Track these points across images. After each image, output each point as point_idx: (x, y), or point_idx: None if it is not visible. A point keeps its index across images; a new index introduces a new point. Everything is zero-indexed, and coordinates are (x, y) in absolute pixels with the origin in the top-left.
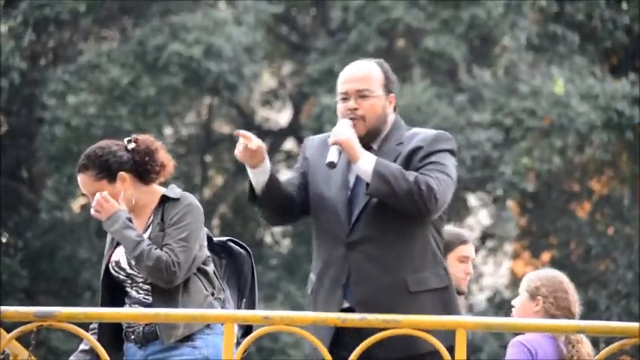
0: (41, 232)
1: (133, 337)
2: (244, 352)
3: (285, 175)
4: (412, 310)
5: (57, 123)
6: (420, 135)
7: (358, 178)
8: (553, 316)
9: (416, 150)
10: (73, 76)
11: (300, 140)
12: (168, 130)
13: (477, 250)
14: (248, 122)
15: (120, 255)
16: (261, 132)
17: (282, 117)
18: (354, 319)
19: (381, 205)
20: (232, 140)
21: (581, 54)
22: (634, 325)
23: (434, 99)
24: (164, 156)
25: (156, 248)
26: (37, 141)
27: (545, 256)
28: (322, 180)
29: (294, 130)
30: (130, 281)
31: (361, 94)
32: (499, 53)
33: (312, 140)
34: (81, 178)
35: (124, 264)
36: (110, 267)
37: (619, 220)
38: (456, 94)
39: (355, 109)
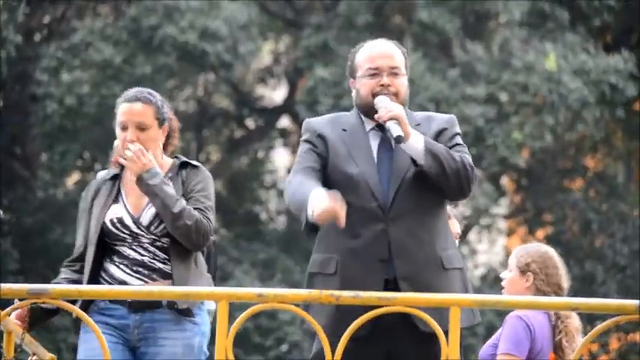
0: (34, 210)
1: (129, 300)
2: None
3: (282, 157)
4: (447, 286)
5: (49, 99)
6: (438, 117)
7: (385, 153)
8: (543, 293)
9: (442, 131)
10: (67, 53)
11: (294, 117)
12: None
13: (470, 228)
14: (244, 100)
15: (122, 212)
16: (257, 109)
17: (277, 94)
18: (348, 296)
19: (415, 181)
20: (229, 116)
21: (573, 31)
22: (631, 302)
23: (427, 73)
24: (176, 137)
25: (194, 209)
26: (31, 118)
27: (540, 233)
28: (345, 157)
29: (290, 107)
30: (130, 240)
31: (393, 72)
32: (493, 28)
33: (318, 120)
34: (139, 107)
35: (129, 222)
36: (108, 223)
37: (613, 196)
38: (449, 68)
39: (389, 85)
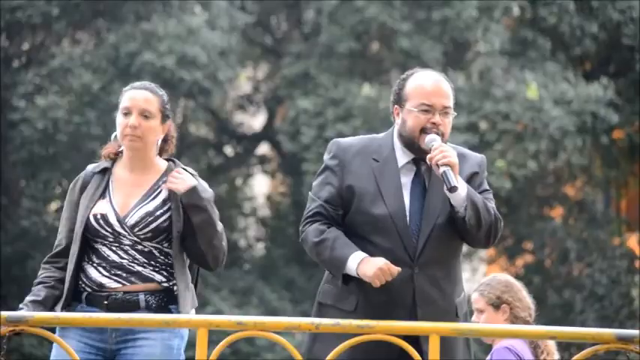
0: (13, 238)
1: (106, 302)
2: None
3: (261, 183)
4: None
5: (25, 124)
6: (471, 158)
7: (416, 192)
8: (522, 319)
9: (474, 175)
10: (45, 79)
11: (274, 144)
12: None
13: None
14: (222, 127)
15: (107, 209)
16: (235, 136)
17: (256, 121)
18: (328, 324)
19: (446, 228)
20: (207, 143)
21: (554, 60)
22: (609, 331)
23: None
24: (173, 144)
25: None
26: (9, 145)
27: (520, 262)
28: (373, 195)
29: (268, 134)
30: (111, 239)
31: (445, 111)
32: (472, 58)
33: (347, 149)
34: (146, 95)
35: (113, 220)
36: (91, 218)
37: (592, 225)
38: None
39: (439, 124)
